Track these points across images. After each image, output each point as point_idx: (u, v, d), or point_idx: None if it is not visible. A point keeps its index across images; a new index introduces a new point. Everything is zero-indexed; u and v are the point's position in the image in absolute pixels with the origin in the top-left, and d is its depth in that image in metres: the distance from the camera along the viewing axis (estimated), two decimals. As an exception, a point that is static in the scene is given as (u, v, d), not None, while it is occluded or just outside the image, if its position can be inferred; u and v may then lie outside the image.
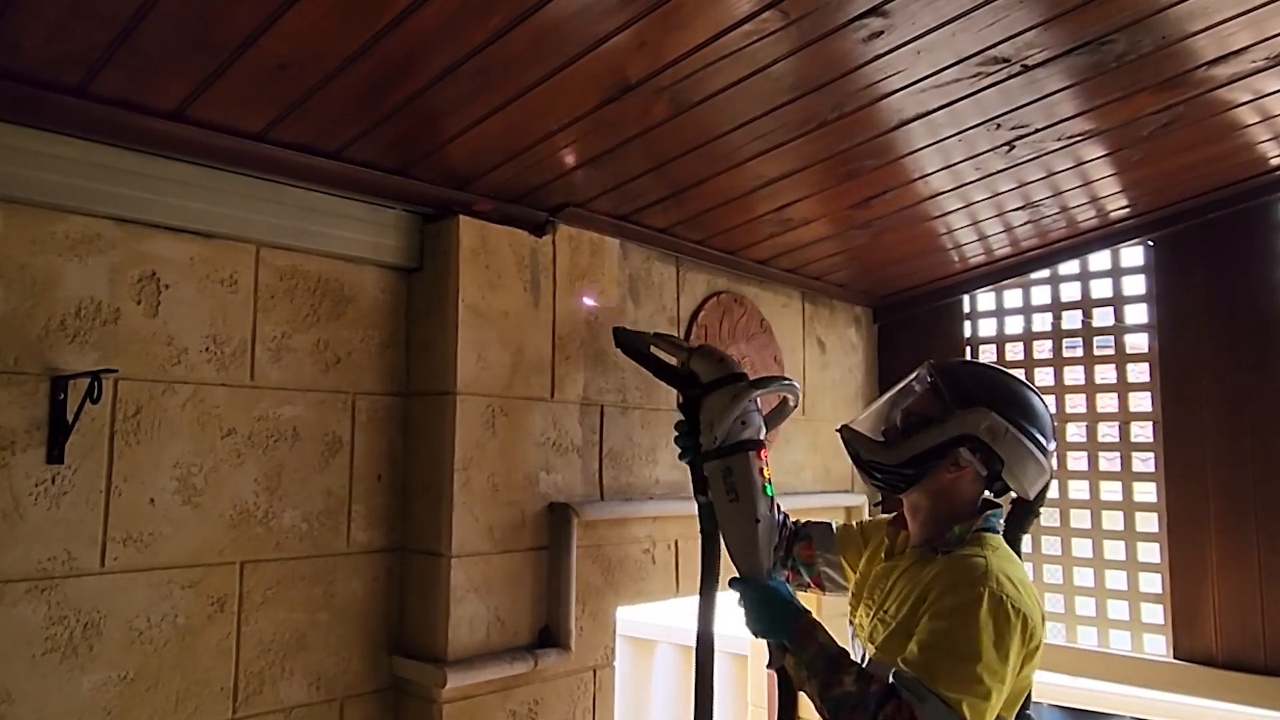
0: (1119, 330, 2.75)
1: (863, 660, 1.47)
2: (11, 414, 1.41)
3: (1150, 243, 2.66)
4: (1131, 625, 2.64)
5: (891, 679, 1.28)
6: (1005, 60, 1.57)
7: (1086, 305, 2.81)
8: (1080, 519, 2.77)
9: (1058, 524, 2.81)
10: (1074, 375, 2.83)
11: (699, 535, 1.65)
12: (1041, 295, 2.91)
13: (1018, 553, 1.51)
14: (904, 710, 1.23)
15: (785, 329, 2.77)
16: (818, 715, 1.37)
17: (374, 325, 1.88)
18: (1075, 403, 2.83)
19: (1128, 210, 2.51)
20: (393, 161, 1.75)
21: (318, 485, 1.77)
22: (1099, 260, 2.78)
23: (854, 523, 1.77)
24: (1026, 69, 1.60)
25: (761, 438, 1.59)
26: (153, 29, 1.25)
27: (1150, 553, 2.63)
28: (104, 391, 1.48)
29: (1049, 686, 2.80)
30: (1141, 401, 2.70)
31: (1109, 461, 2.73)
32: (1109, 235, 2.65)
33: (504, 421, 1.90)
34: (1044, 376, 2.88)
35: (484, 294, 1.88)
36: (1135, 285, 2.72)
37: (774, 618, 1.45)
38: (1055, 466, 1.49)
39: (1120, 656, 2.63)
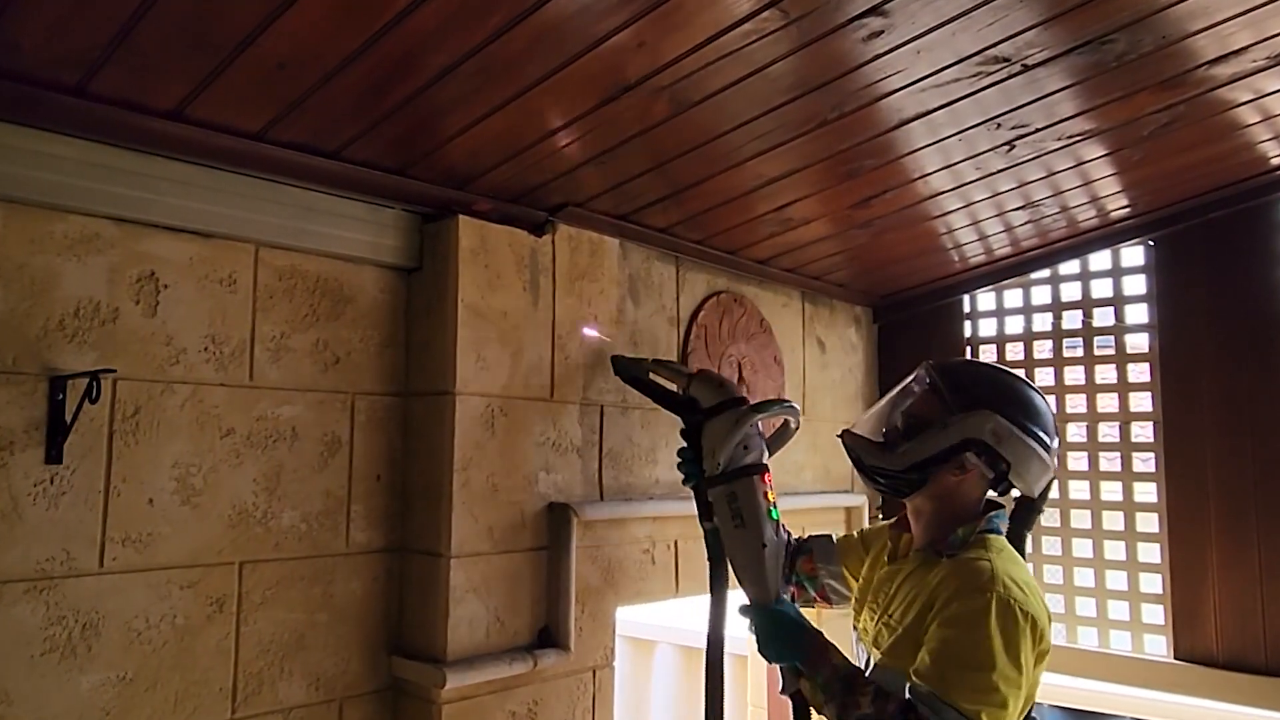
0: (1119, 330, 2.75)
1: (867, 665, 1.46)
2: (10, 414, 1.41)
3: (1151, 242, 2.66)
4: (1132, 625, 2.64)
5: (908, 694, 1.27)
6: (1005, 60, 1.56)
7: (1087, 305, 2.81)
8: (1080, 519, 2.76)
9: (1058, 524, 2.81)
10: (1074, 375, 2.82)
11: (706, 561, 1.63)
12: (1042, 295, 2.90)
13: (1022, 551, 1.51)
14: None
15: (785, 329, 2.76)
16: None
17: (373, 325, 1.88)
18: (1075, 403, 2.83)
19: (1128, 210, 2.51)
20: (392, 161, 1.74)
21: (317, 485, 1.77)
22: (1099, 260, 2.77)
23: (854, 532, 1.77)
24: (1027, 68, 1.60)
25: (764, 461, 1.58)
26: (152, 28, 1.24)
27: (1151, 553, 2.63)
28: (103, 391, 1.47)
29: (1049, 687, 2.79)
30: (1142, 401, 2.69)
31: (1109, 462, 2.73)
32: (1109, 235, 2.65)
33: (503, 421, 1.90)
34: (1044, 376, 2.87)
35: (483, 294, 1.88)
36: (1136, 285, 2.71)
37: (786, 642, 1.43)
38: (1058, 464, 1.48)
39: (1121, 657, 2.62)
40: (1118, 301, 2.75)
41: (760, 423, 1.60)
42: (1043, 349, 2.93)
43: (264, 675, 1.67)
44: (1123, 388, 2.73)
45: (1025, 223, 2.51)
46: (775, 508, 1.55)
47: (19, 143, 1.39)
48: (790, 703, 1.48)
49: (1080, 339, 2.82)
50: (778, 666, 1.48)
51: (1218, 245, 2.54)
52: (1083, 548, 2.76)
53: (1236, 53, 1.64)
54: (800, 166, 1.95)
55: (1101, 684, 2.67)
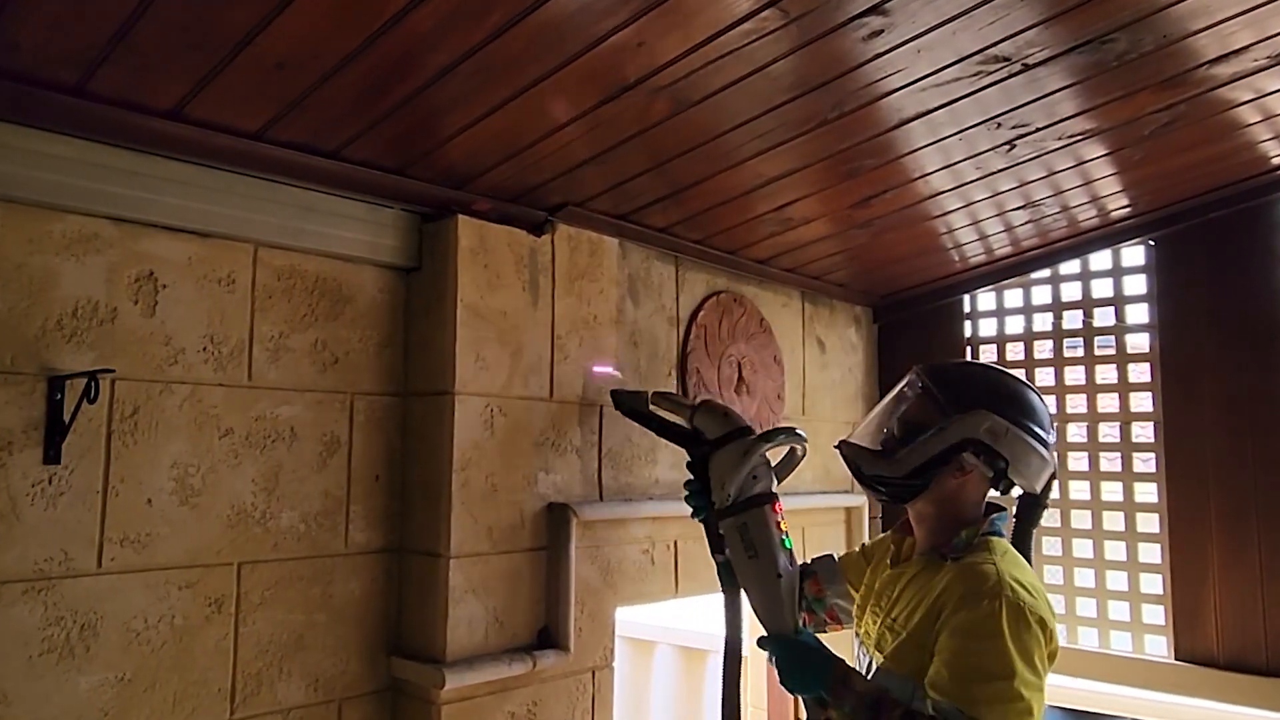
0: (1120, 330, 2.74)
1: (869, 670, 1.45)
2: (8, 414, 1.40)
3: (1151, 242, 2.66)
4: (1132, 626, 2.64)
5: (931, 710, 1.26)
6: (1006, 59, 1.56)
7: (1087, 305, 2.81)
8: (1081, 519, 2.76)
9: (1058, 524, 2.80)
10: (1075, 375, 2.82)
11: (706, 560, 1.61)
12: (1042, 295, 2.90)
13: (1030, 549, 1.51)
14: None
15: (785, 329, 2.76)
16: None
17: (372, 325, 1.88)
18: (1076, 403, 2.83)
19: (1129, 210, 2.50)
20: (391, 161, 1.74)
21: (316, 486, 1.76)
22: (1100, 260, 2.77)
23: (856, 547, 1.77)
24: (1027, 68, 1.60)
25: (774, 490, 1.57)
26: (150, 28, 1.24)
27: (1151, 553, 2.62)
28: (101, 391, 1.47)
29: (1049, 687, 2.78)
30: (1142, 402, 2.69)
31: (1110, 462, 2.72)
32: (1110, 235, 2.65)
33: (502, 422, 1.89)
34: (1045, 377, 2.87)
35: (482, 294, 1.88)
36: (1136, 285, 2.71)
37: (809, 673, 1.41)
38: (1056, 459, 1.47)
39: (1121, 657, 2.62)
40: (1118, 301, 2.75)
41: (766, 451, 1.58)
42: (1043, 349, 2.92)
43: (263, 676, 1.66)
44: (1123, 388, 2.73)
45: (1025, 222, 2.50)
46: (788, 537, 1.53)
47: (17, 142, 1.39)
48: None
49: (1080, 339, 2.82)
50: (801, 698, 1.45)
51: (1218, 245, 2.53)
52: (1083, 548, 2.75)
53: (1237, 52, 1.63)
54: (800, 166, 1.95)
55: (1102, 685, 2.67)
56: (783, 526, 1.53)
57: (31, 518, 1.41)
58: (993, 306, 3.01)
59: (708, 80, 1.53)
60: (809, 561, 1.77)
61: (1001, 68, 1.59)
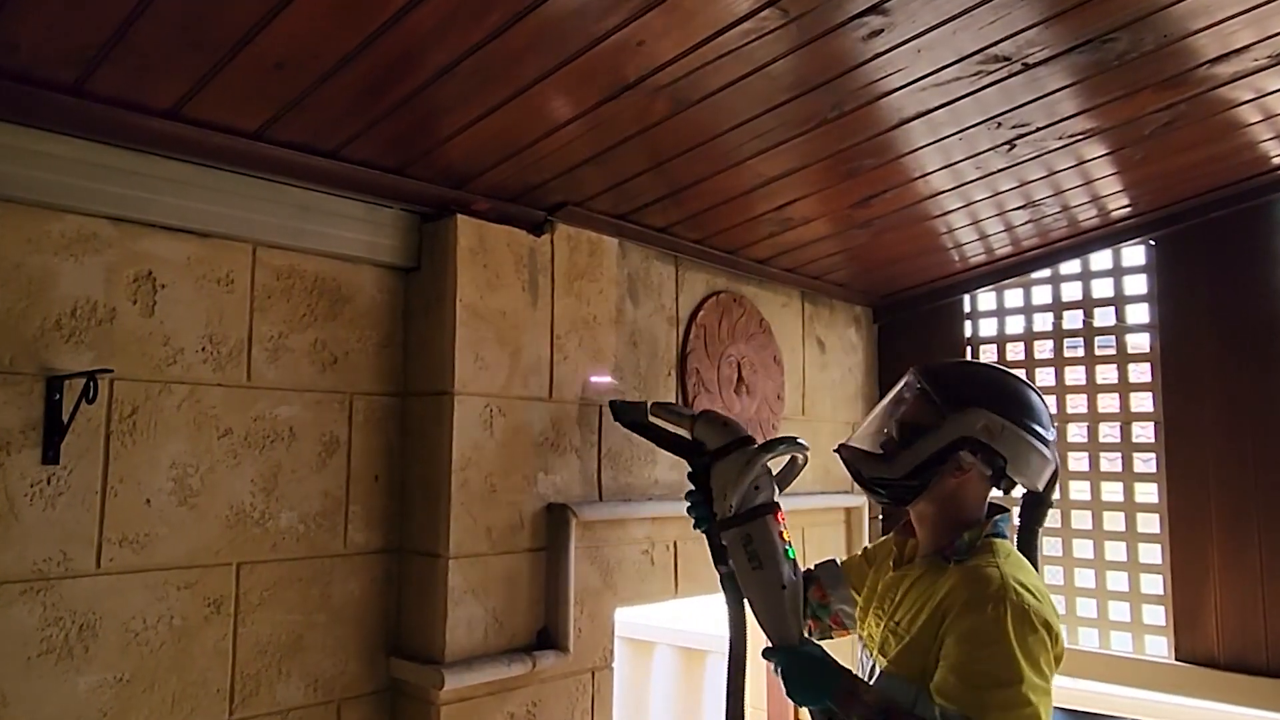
0: (1120, 330, 2.74)
1: (871, 674, 1.45)
2: (6, 414, 1.40)
3: (1152, 242, 2.65)
4: (1133, 627, 2.64)
5: (939, 719, 1.25)
6: (1006, 58, 1.56)
7: (1088, 305, 2.81)
8: (1081, 520, 2.76)
9: (1059, 525, 2.80)
10: (1075, 375, 2.82)
11: (706, 561, 1.59)
12: (1042, 295, 2.90)
13: (1036, 548, 1.50)
14: None
15: (785, 329, 2.76)
16: None
17: (371, 325, 1.88)
18: (1076, 403, 2.82)
19: (1129, 209, 2.50)
20: (390, 160, 1.74)
21: (315, 486, 1.76)
22: (1100, 260, 2.77)
23: (859, 551, 1.76)
24: (1027, 67, 1.59)
25: (776, 499, 1.56)
26: (149, 27, 1.24)
27: (1152, 554, 2.62)
28: (100, 392, 1.47)
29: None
30: (1143, 402, 2.69)
31: (1110, 462, 2.72)
32: (1110, 234, 2.65)
33: (502, 422, 1.89)
34: (1045, 377, 2.87)
35: (482, 294, 1.87)
36: (1137, 285, 2.71)
37: (815, 684, 1.39)
38: (1058, 456, 1.46)
39: (1122, 658, 2.62)
40: (1119, 301, 2.74)
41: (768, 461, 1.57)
42: (1043, 349, 2.92)
43: (262, 676, 1.66)
44: (1124, 388, 2.72)
45: (1026, 222, 2.50)
46: (791, 546, 1.52)
47: (16, 142, 1.39)
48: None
49: (1081, 339, 2.81)
50: (808, 710, 1.43)
51: (1219, 245, 2.53)
52: (1083, 549, 2.75)
53: (1238, 51, 1.63)
54: (800, 166, 1.95)
55: (1102, 685, 2.66)
56: (786, 536, 1.51)
57: (30, 518, 1.41)
58: (993, 306, 3.01)
59: (707, 80, 1.53)
60: (812, 568, 1.76)
61: (1002, 67, 1.59)
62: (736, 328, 2.54)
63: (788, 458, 1.65)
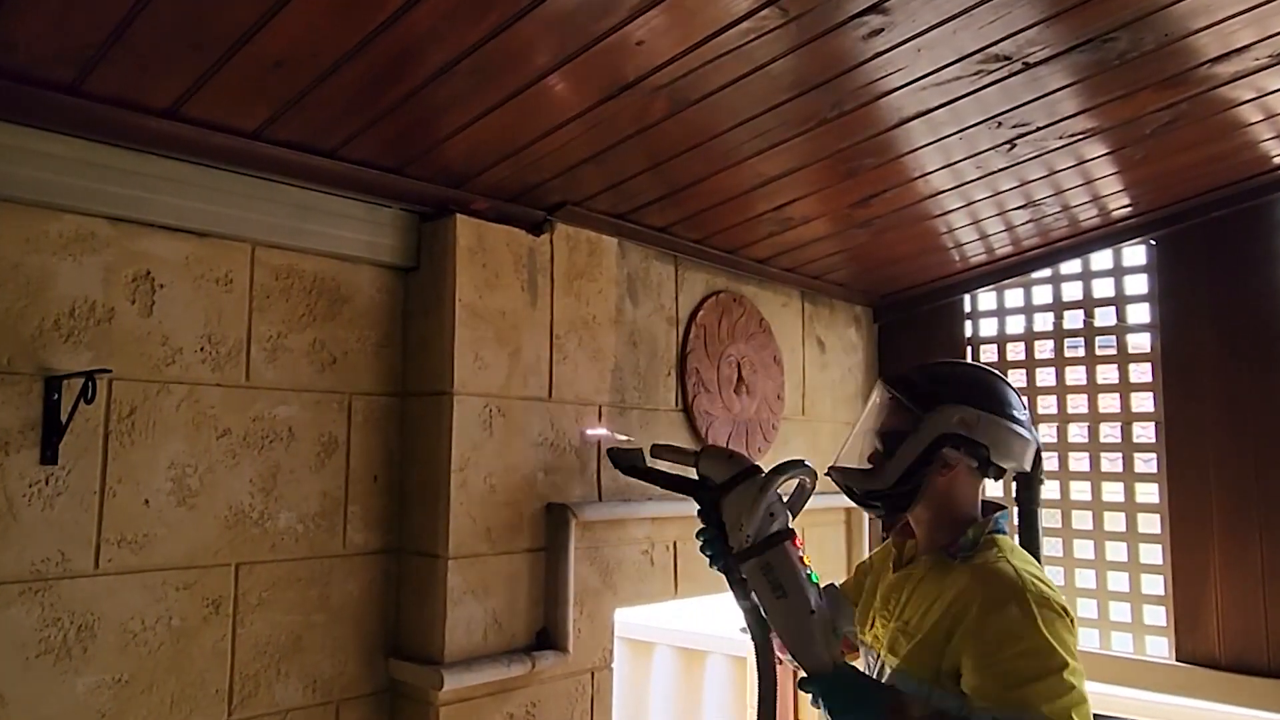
0: (1121, 330, 2.74)
1: (880, 673, 1.44)
2: (5, 414, 1.40)
3: (1152, 242, 2.65)
4: (1134, 627, 2.63)
5: None
6: (1006, 58, 1.55)
7: (1088, 305, 2.80)
8: (1082, 520, 2.75)
9: (1059, 525, 2.80)
10: (1076, 375, 2.81)
11: (751, 645, 1.49)
12: (1043, 295, 2.89)
13: (1038, 527, 1.53)
14: None
15: (785, 328, 2.75)
16: None
17: (370, 325, 1.87)
18: (1077, 403, 2.82)
19: (1130, 209, 2.50)
20: (389, 160, 1.74)
21: (313, 486, 1.76)
22: (1101, 259, 2.76)
23: (854, 569, 1.75)
24: (1028, 67, 1.59)
25: (790, 525, 1.54)
26: (147, 27, 1.24)
27: (1152, 554, 2.61)
28: (98, 392, 1.46)
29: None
30: (1144, 402, 2.68)
31: (1111, 462, 2.72)
32: (1111, 234, 2.64)
33: (501, 422, 1.89)
34: (1045, 377, 2.86)
35: (481, 293, 1.87)
36: (1137, 284, 2.70)
37: (859, 708, 1.35)
38: (1036, 433, 1.49)
39: (1122, 659, 2.61)
40: (1119, 301, 2.74)
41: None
42: (1044, 349, 2.91)
43: (260, 677, 1.66)
44: (1124, 388, 2.72)
45: (1026, 222, 2.50)
46: (814, 571, 1.50)
47: (14, 141, 1.39)
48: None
49: (1082, 339, 2.81)
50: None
51: (1220, 244, 2.53)
52: (1084, 549, 2.74)
53: (1238, 51, 1.63)
54: (800, 165, 1.94)
55: (1103, 686, 2.66)
56: (806, 561, 1.49)
57: (28, 518, 1.41)
58: (993, 306, 3.01)
59: (707, 79, 1.52)
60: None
61: (1002, 66, 1.58)
62: (736, 327, 2.54)
63: (795, 483, 1.62)
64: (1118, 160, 2.12)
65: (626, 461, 1.66)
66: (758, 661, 1.46)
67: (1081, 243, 2.69)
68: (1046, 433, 2.83)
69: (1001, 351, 2.97)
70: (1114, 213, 2.51)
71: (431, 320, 1.87)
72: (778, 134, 1.76)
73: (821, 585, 1.63)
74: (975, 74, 1.60)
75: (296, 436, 1.74)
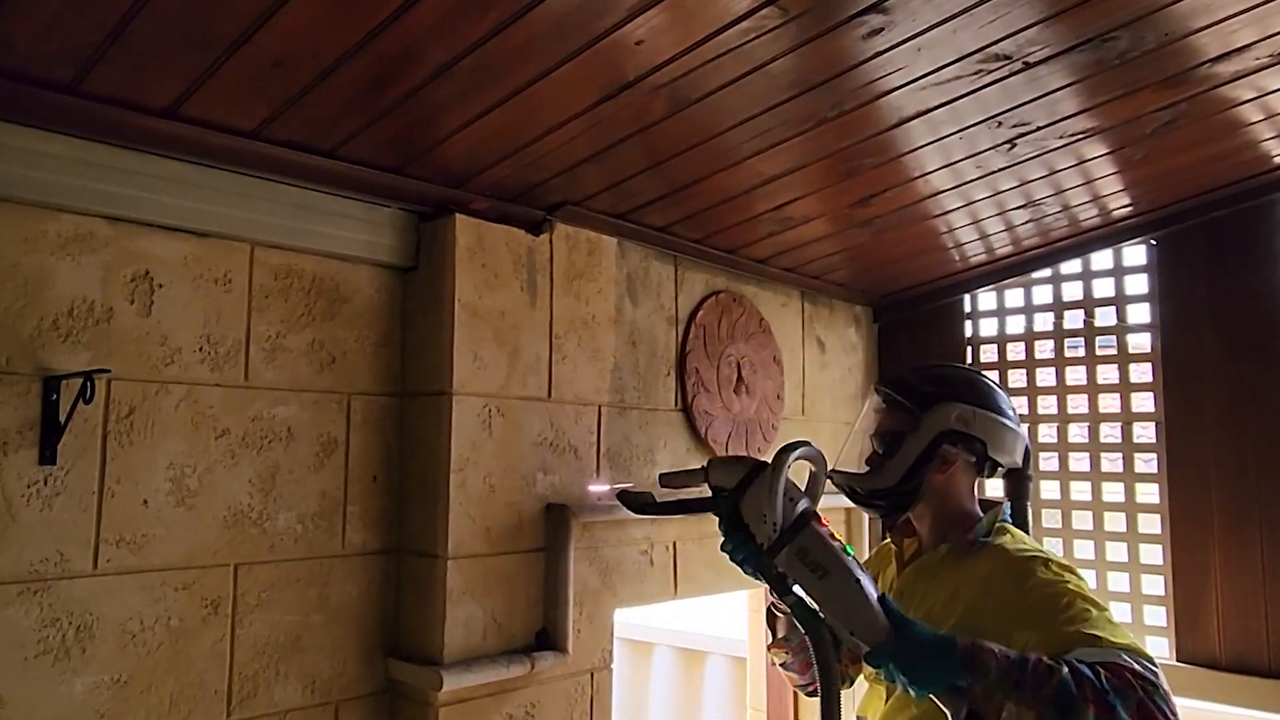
0: (1121, 330, 2.73)
1: None
2: (3, 414, 1.39)
3: (1153, 241, 2.65)
4: (1134, 628, 2.63)
5: (1079, 663, 1.18)
6: (1006, 57, 1.55)
7: (1088, 305, 2.80)
8: (1082, 520, 2.75)
9: (1059, 525, 2.79)
10: (1076, 375, 2.81)
11: (810, 645, 1.36)
12: (1043, 295, 2.89)
13: (1028, 520, 1.59)
14: (1135, 675, 1.16)
15: (784, 328, 2.75)
16: None
17: (369, 325, 1.87)
18: (1077, 403, 2.82)
19: (1130, 209, 2.49)
20: (388, 159, 1.73)
21: (313, 486, 1.76)
22: (1101, 259, 2.76)
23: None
24: (1028, 66, 1.59)
25: (813, 506, 1.52)
26: (146, 26, 1.23)
27: (1153, 555, 2.61)
28: (97, 392, 1.46)
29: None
30: (1144, 402, 2.68)
31: (1111, 462, 2.71)
32: (1111, 234, 2.64)
33: (500, 422, 1.89)
34: (1046, 377, 2.86)
35: (480, 293, 1.87)
36: (1138, 284, 2.70)
37: (934, 660, 1.24)
38: (1025, 430, 1.55)
39: (1122, 658, 2.61)
40: (1119, 301, 2.74)
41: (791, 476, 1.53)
42: (1044, 349, 2.91)
43: (259, 678, 1.66)
44: (1125, 388, 2.72)
45: (1026, 222, 2.49)
46: (849, 545, 1.48)
47: (12, 141, 1.39)
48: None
49: (1082, 339, 2.81)
50: (937, 700, 1.28)
51: (1220, 244, 2.53)
52: (1084, 549, 2.74)
53: (1239, 50, 1.62)
54: (799, 165, 1.94)
55: (1103, 686, 2.66)
56: (837, 536, 1.46)
57: (27, 518, 1.41)
58: (993, 306, 3.00)
59: (707, 78, 1.52)
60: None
61: (1002, 66, 1.58)
62: (736, 327, 2.54)
63: (807, 472, 1.62)
64: (1118, 160, 2.11)
65: (639, 502, 1.62)
66: (817, 658, 1.36)
67: (1081, 242, 2.69)
68: (1046, 433, 2.83)
69: (1002, 351, 2.97)
70: (1114, 212, 2.51)
71: (431, 320, 1.86)
72: (777, 133, 1.76)
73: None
74: (975, 73, 1.60)
75: (295, 437, 1.73)
